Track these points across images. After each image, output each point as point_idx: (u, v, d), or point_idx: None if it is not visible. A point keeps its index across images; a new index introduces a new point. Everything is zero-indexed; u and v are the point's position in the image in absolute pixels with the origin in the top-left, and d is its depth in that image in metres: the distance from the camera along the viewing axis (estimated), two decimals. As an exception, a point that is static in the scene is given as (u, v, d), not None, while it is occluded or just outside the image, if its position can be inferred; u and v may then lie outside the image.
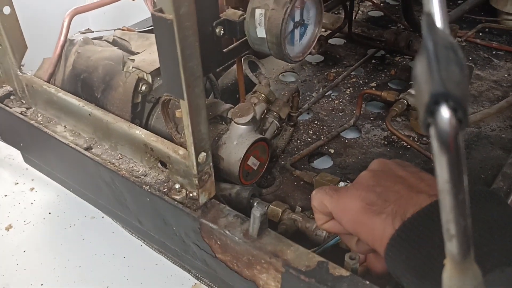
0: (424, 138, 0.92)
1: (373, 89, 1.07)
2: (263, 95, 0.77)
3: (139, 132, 0.66)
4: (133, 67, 0.73)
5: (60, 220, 0.91)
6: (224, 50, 0.63)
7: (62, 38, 0.79)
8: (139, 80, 0.72)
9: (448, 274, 0.32)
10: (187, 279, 0.78)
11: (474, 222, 0.45)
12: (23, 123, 0.80)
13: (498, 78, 1.11)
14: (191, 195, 0.63)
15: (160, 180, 0.66)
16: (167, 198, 0.63)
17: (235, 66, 0.82)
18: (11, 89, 0.84)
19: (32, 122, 0.78)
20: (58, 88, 0.76)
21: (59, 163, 0.81)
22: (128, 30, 0.89)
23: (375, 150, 0.91)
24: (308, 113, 1.01)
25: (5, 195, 0.96)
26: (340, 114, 1.01)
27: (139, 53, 0.79)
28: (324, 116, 1.00)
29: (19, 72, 0.80)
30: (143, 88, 0.72)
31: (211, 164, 0.60)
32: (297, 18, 0.62)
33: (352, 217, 0.53)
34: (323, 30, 1.20)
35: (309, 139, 0.94)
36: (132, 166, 0.69)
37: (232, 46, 0.64)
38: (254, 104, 0.75)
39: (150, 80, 0.73)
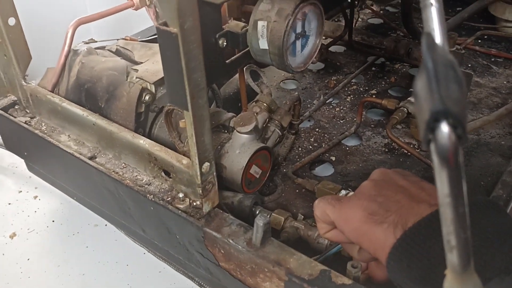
0: (424, 146, 0.93)
1: (374, 96, 1.07)
2: (265, 104, 0.78)
3: (143, 142, 0.67)
4: (136, 77, 0.74)
5: (64, 228, 0.92)
6: (226, 61, 0.64)
7: (66, 48, 0.80)
8: (143, 90, 0.73)
9: (449, 284, 0.33)
10: (190, 287, 0.79)
11: (474, 231, 0.46)
12: (27, 132, 0.81)
13: (497, 85, 1.12)
14: (194, 204, 0.63)
15: (163, 189, 0.67)
16: (170, 207, 0.64)
17: (237, 75, 0.83)
18: (16, 98, 0.85)
19: (36, 131, 0.79)
20: (62, 98, 0.77)
21: (63, 172, 0.82)
22: (131, 39, 0.90)
23: (376, 158, 0.92)
24: (309, 121, 1.02)
25: (9, 203, 0.97)
26: (341, 121, 1.02)
27: (142, 63, 0.80)
28: (325, 124, 1.01)
29: (23, 82, 0.81)
30: (147, 98, 0.73)
31: (214, 173, 0.61)
32: (298, 29, 0.63)
33: (354, 227, 0.54)
34: (323, 38, 1.21)
35: (310, 147, 0.95)
36: (136, 175, 0.70)
37: (234, 57, 0.65)
38: (256, 113, 0.76)
39: (153, 90, 0.74)
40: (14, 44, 0.78)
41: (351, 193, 0.75)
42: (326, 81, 1.14)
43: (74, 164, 0.75)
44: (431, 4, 0.36)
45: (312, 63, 0.72)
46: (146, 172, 0.69)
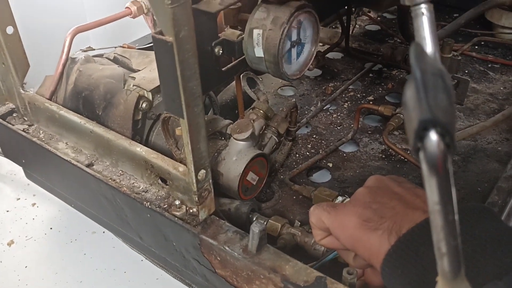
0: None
1: (371, 102, 1.08)
2: (261, 111, 0.78)
3: (140, 149, 0.67)
4: (133, 85, 0.74)
5: (62, 235, 0.92)
6: (223, 69, 0.64)
7: (64, 56, 0.81)
8: (140, 97, 0.73)
9: (440, 291, 0.33)
10: (188, 294, 0.79)
11: (468, 238, 0.47)
12: (25, 140, 0.81)
13: (494, 91, 1.12)
14: (191, 211, 0.64)
15: (160, 197, 0.67)
16: (167, 214, 0.64)
17: (234, 82, 0.83)
18: (14, 106, 0.86)
19: (34, 139, 0.80)
20: (60, 106, 0.77)
21: (60, 179, 0.82)
22: (129, 47, 0.91)
23: (373, 164, 0.92)
24: (306, 127, 1.02)
25: (7, 211, 0.97)
26: (338, 128, 1.02)
27: (139, 70, 0.80)
28: (323, 130, 1.01)
29: (21, 90, 0.81)
30: (144, 105, 0.74)
31: (210, 181, 0.61)
32: (294, 37, 0.64)
33: (349, 233, 0.55)
34: (320, 44, 1.22)
35: (307, 153, 0.95)
36: (133, 183, 0.70)
37: (230, 64, 0.66)
38: (253, 120, 0.76)
39: (150, 97, 0.74)
40: (12, 52, 0.78)
41: (348, 199, 0.75)
42: (323, 87, 1.14)
43: (72, 172, 0.75)
44: (422, 13, 0.37)
45: (308, 70, 0.72)
46: (143, 180, 0.70)
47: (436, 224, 0.30)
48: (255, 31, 0.61)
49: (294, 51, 0.65)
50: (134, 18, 0.90)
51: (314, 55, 0.69)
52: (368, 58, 1.23)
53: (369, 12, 1.41)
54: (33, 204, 0.99)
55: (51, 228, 0.93)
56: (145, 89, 0.74)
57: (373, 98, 1.10)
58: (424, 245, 0.47)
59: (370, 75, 1.19)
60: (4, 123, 0.83)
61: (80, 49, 0.87)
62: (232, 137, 0.73)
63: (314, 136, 1.00)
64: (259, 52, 0.62)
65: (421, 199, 0.53)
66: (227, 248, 0.59)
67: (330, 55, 1.25)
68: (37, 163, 0.85)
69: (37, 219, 0.95)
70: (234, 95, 0.92)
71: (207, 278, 0.66)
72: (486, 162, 0.91)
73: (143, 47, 0.95)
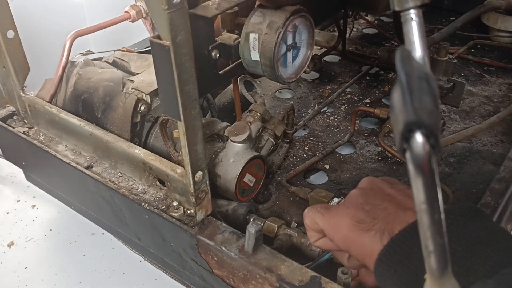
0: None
1: (367, 105, 1.09)
2: (258, 113, 0.80)
3: (138, 152, 0.68)
4: (132, 88, 0.75)
5: (61, 236, 0.93)
6: (220, 72, 0.66)
7: (64, 60, 0.82)
8: (138, 100, 0.74)
9: (428, 288, 0.34)
10: (186, 294, 0.80)
11: (460, 238, 0.48)
12: (25, 143, 0.82)
13: (489, 93, 1.13)
14: (188, 212, 0.65)
15: (158, 198, 0.68)
16: (165, 216, 0.65)
17: (231, 85, 0.84)
18: (14, 109, 0.87)
19: (34, 141, 0.81)
20: (60, 109, 0.79)
21: (60, 181, 0.83)
22: (128, 51, 0.92)
23: (369, 166, 0.93)
24: (304, 130, 1.03)
25: (7, 212, 0.98)
26: (335, 130, 1.03)
27: (138, 73, 0.82)
28: (320, 133, 1.02)
29: (22, 93, 0.82)
30: (142, 108, 0.75)
31: (207, 182, 0.62)
32: (289, 41, 0.65)
33: (342, 235, 0.56)
34: (318, 47, 1.23)
35: (304, 155, 0.96)
36: (132, 184, 0.71)
37: (227, 68, 0.67)
38: (250, 123, 0.77)
39: (149, 100, 0.75)
40: (13, 56, 0.79)
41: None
42: (320, 90, 1.16)
43: (71, 174, 0.76)
44: (412, 18, 0.38)
45: (305, 73, 0.73)
46: (142, 181, 0.71)
47: (423, 223, 0.31)
48: (251, 35, 0.63)
49: (289, 55, 0.66)
50: (133, 22, 0.91)
51: (310, 59, 0.70)
52: (365, 61, 1.24)
53: (366, 15, 1.42)
54: (33, 206, 1.00)
55: (50, 230, 0.94)
56: (143, 92, 0.75)
57: (370, 101, 1.11)
58: (416, 244, 0.48)
59: (367, 78, 1.20)
60: (5, 125, 0.84)
61: (80, 53, 0.88)
62: (229, 139, 0.74)
63: (311, 138, 1.01)
64: (255, 55, 0.63)
65: (413, 200, 0.54)
66: (223, 248, 0.60)
67: (327, 58, 1.26)
68: (37, 165, 0.86)
69: (37, 221, 0.96)
70: (232, 98, 0.93)
71: (204, 279, 0.67)
72: (481, 164, 0.92)
73: (142, 51, 0.96)
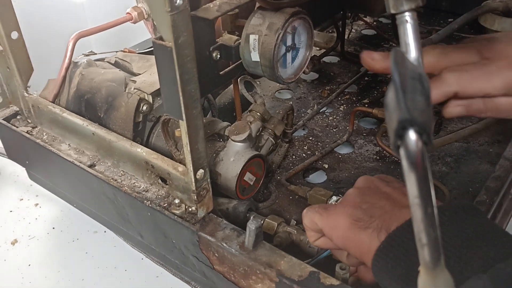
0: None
1: (366, 105, 1.10)
2: (258, 113, 0.81)
3: (140, 150, 0.70)
4: (134, 88, 0.77)
5: (64, 234, 0.94)
6: (220, 73, 0.67)
7: (67, 60, 0.83)
8: (140, 100, 0.76)
9: (422, 279, 0.36)
10: (187, 291, 0.82)
11: (455, 234, 0.49)
12: (29, 142, 0.83)
13: (486, 94, 1.15)
14: (190, 209, 0.66)
15: (160, 196, 0.70)
16: (167, 213, 0.66)
17: (232, 86, 0.86)
18: (18, 109, 0.88)
19: (37, 140, 0.82)
20: (63, 108, 0.80)
21: (63, 179, 0.85)
22: (130, 51, 0.93)
23: (367, 165, 0.94)
24: (303, 129, 1.04)
25: (11, 211, 1.00)
26: (334, 130, 1.04)
27: (140, 74, 0.83)
28: (319, 132, 1.04)
29: (25, 93, 0.83)
30: (144, 108, 0.76)
31: (208, 180, 0.64)
32: (289, 42, 0.66)
33: (341, 233, 0.57)
34: (317, 48, 1.24)
35: (304, 155, 0.97)
36: (134, 182, 0.73)
37: (228, 68, 0.68)
38: (250, 122, 0.78)
39: (150, 100, 0.77)
40: (17, 56, 0.80)
41: (342, 199, 0.78)
42: (320, 91, 1.17)
43: (74, 172, 0.78)
44: (406, 21, 0.39)
45: (304, 73, 0.75)
46: (144, 179, 0.72)
47: (416, 217, 0.33)
48: (252, 37, 0.64)
49: (289, 56, 0.68)
50: (134, 23, 0.92)
51: (309, 59, 0.72)
52: (364, 62, 1.25)
53: (365, 17, 1.44)
54: (36, 205, 1.01)
55: (53, 228, 0.95)
56: (145, 92, 0.76)
57: (368, 101, 1.13)
58: (412, 240, 0.49)
59: (366, 78, 1.22)
60: (9, 125, 0.86)
61: (82, 54, 0.89)
62: (230, 139, 0.75)
63: (311, 138, 1.02)
64: (255, 56, 0.65)
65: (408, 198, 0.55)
66: (224, 244, 0.61)
67: (326, 59, 1.28)
68: (41, 164, 0.87)
69: (40, 219, 0.97)
70: (232, 98, 0.95)
71: (205, 274, 0.68)
72: (478, 163, 0.93)
73: (143, 52, 0.98)
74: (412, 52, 0.38)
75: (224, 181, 0.74)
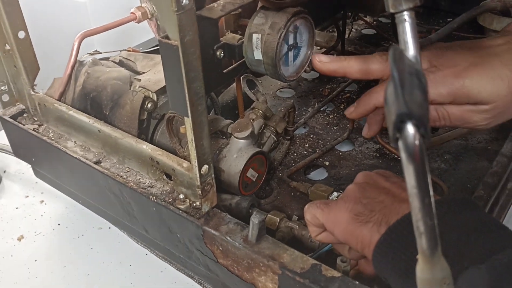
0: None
1: (366, 104, 1.12)
2: (260, 111, 0.83)
3: (146, 147, 0.71)
4: (139, 86, 0.78)
5: (69, 231, 0.95)
6: (224, 71, 0.69)
7: (72, 59, 0.85)
8: (145, 98, 0.77)
9: (420, 267, 0.37)
10: (190, 285, 0.83)
11: (454, 227, 0.51)
12: (35, 139, 0.85)
13: (485, 92, 1.16)
14: (194, 204, 0.68)
15: (165, 191, 0.71)
16: (172, 208, 0.68)
17: (234, 84, 0.87)
18: (24, 107, 0.90)
19: (44, 138, 0.84)
20: (69, 106, 0.81)
21: (69, 176, 0.86)
22: (134, 51, 0.95)
23: (367, 162, 0.96)
24: (304, 127, 1.06)
25: (16, 208, 1.01)
26: (335, 128, 1.06)
27: (144, 73, 0.84)
28: (320, 130, 1.05)
29: (32, 92, 0.85)
30: (149, 105, 0.78)
31: (213, 175, 0.65)
32: (291, 41, 0.68)
33: (342, 228, 0.59)
34: (318, 48, 1.26)
35: (305, 152, 0.99)
36: (139, 179, 0.74)
37: (231, 67, 0.70)
38: (252, 120, 0.80)
39: (155, 98, 0.78)
40: (24, 55, 0.82)
41: (342, 195, 0.80)
42: (320, 89, 1.19)
43: (81, 169, 0.79)
44: (405, 19, 0.41)
45: (305, 72, 0.76)
46: (149, 176, 0.74)
47: (414, 206, 0.34)
48: (254, 36, 0.66)
49: (291, 54, 0.69)
50: (138, 23, 0.93)
51: (310, 58, 0.73)
52: (364, 61, 1.26)
53: (365, 17, 1.45)
54: (41, 202, 1.02)
55: (59, 224, 0.97)
56: (150, 90, 0.77)
57: (368, 100, 1.14)
58: (411, 233, 0.51)
59: (366, 77, 1.23)
60: (15, 123, 0.87)
61: (88, 53, 0.91)
62: (232, 136, 0.77)
63: (311, 136, 1.03)
64: (258, 55, 0.66)
65: (407, 192, 0.57)
66: (228, 238, 0.63)
67: (327, 58, 1.29)
68: (47, 161, 0.89)
69: (45, 216, 0.99)
70: (235, 96, 0.96)
71: (209, 268, 0.70)
72: (476, 160, 0.95)
73: (147, 51, 0.99)
74: (411, 50, 0.40)
75: (227, 177, 0.75)
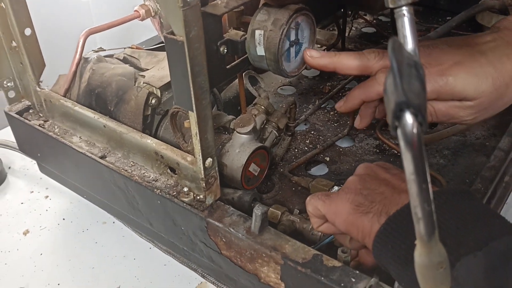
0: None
1: (366, 101, 1.13)
2: (262, 107, 0.84)
3: (150, 141, 0.73)
4: (143, 83, 0.80)
5: (74, 225, 0.97)
6: (227, 67, 0.70)
7: (77, 56, 0.86)
8: (149, 94, 0.79)
9: (418, 252, 0.39)
10: (194, 278, 0.84)
11: (452, 216, 0.52)
12: (41, 135, 0.86)
13: (483, 89, 1.17)
14: (198, 197, 0.69)
15: (169, 185, 0.73)
16: (176, 201, 0.69)
17: (236, 80, 0.89)
18: (30, 103, 0.91)
19: (50, 133, 0.85)
20: (75, 102, 0.83)
21: (75, 171, 0.88)
22: (137, 48, 0.97)
23: (367, 158, 0.97)
24: (305, 124, 1.07)
25: (22, 203, 1.03)
26: (335, 124, 1.07)
27: (148, 69, 0.86)
28: (320, 127, 1.07)
29: (37, 88, 0.86)
30: (153, 101, 0.79)
31: (216, 168, 0.67)
32: (292, 37, 0.69)
33: (343, 219, 0.60)
34: (318, 46, 1.27)
35: (306, 148, 1.00)
36: (144, 173, 0.76)
37: (234, 63, 0.71)
38: (255, 115, 0.81)
39: (159, 94, 0.80)
40: (30, 52, 0.83)
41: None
42: (321, 87, 1.20)
43: (86, 163, 0.81)
44: (404, 14, 0.42)
45: (306, 69, 0.77)
46: (153, 170, 0.75)
47: (412, 192, 0.36)
48: (257, 32, 0.67)
49: (292, 50, 0.71)
50: (142, 20, 0.95)
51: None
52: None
53: (365, 15, 1.47)
54: (46, 197, 1.04)
55: (63, 219, 0.98)
56: (154, 86, 0.79)
57: (368, 97, 1.16)
58: (410, 223, 0.53)
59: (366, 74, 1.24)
60: (21, 118, 0.89)
61: (92, 50, 0.92)
62: (235, 131, 0.78)
63: (312, 132, 1.05)
64: (260, 51, 0.68)
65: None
66: (232, 229, 0.64)
67: (327, 56, 1.30)
68: (52, 156, 0.90)
69: (50, 211, 1.00)
70: (237, 93, 0.98)
71: (213, 260, 0.71)
72: (475, 156, 0.96)
73: (150, 48, 1.01)
74: (409, 44, 0.41)
75: (230, 171, 0.77)
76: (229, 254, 0.67)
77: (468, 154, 0.97)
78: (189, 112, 0.60)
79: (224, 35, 0.69)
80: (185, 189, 0.70)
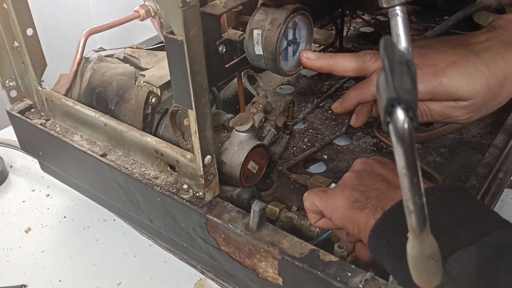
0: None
1: (364, 100, 1.14)
2: (261, 105, 0.85)
3: (150, 140, 0.74)
4: (144, 82, 0.81)
5: (75, 223, 0.98)
6: (226, 66, 0.71)
7: (78, 56, 0.87)
8: (150, 93, 0.80)
9: (410, 245, 0.40)
10: (193, 275, 0.85)
11: (446, 211, 0.53)
12: (43, 133, 0.88)
13: (480, 88, 1.19)
14: (197, 194, 0.70)
15: (169, 182, 0.74)
16: (176, 198, 0.70)
17: (235, 79, 0.90)
18: (31, 102, 0.92)
19: (51, 132, 0.86)
20: (76, 101, 0.84)
21: (76, 169, 0.89)
22: (137, 48, 0.98)
23: (365, 156, 0.99)
24: (303, 123, 1.09)
25: (23, 201, 1.04)
26: (333, 123, 1.09)
27: (148, 69, 0.87)
28: (318, 125, 1.08)
29: (39, 87, 0.88)
30: (153, 100, 0.80)
31: (215, 166, 0.68)
32: (290, 37, 0.70)
33: (340, 214, 0.62)
34: (316, 45, 1.28)
35: (304, 146, 1.01)
36: (144, 170, 0.77)
37: (233, 62, 0.72)
38: (253, 114, 0.83)
39: (159, 93, 0.81)
40: (31, 52, 0.85)
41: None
42: (319, 86, 1.21)
43: (87, 162, 0.82)
44: (397, 14, 0.44)
45: (304, 68, 0.79)
46: (153, 167, 0.76)
47: (404, 186, 0.37)
48: (255, 31, 0.68)
49: (290, 49, 0.72)
50: (142, 20, 0.96)
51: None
52: (362, 58, 1.29)
53: (363, 15, 1.48)
54: (47, 195, 1.05)
55: (64, 217, 1.00)
56: (154, 85, 0.80)
57: (366, 96, 1.17)
58: (405, 218, 0.54)
59: (364, 74, 1.25)
60: (23, 118, 0.90)
61: (93, 50, 0.93)
62: (234, 129, 0.79)
63: (310, 130, 1.06)
64: (258, 50, 0.69)
65: None
66: (230, 226, 0.66)
67: (325, 55, 1.31)
68: (54, 154, 0.91)
69: (52, 209, 1.02)
70: (235, 92, 0.99)
71: (212, 256, 0.72)
72: (471, 154, 0.98)
73: (150, 48, 1.02)
74: (402, 42, 0.42)
75: (229, 169, 0.78)
76: (228, 250, 0.68)
77: (464, 152, 0.98)
78: (189, 110, 0.61)
79: (223, 34, 0.70)
80: (185, 186, 0.71)
